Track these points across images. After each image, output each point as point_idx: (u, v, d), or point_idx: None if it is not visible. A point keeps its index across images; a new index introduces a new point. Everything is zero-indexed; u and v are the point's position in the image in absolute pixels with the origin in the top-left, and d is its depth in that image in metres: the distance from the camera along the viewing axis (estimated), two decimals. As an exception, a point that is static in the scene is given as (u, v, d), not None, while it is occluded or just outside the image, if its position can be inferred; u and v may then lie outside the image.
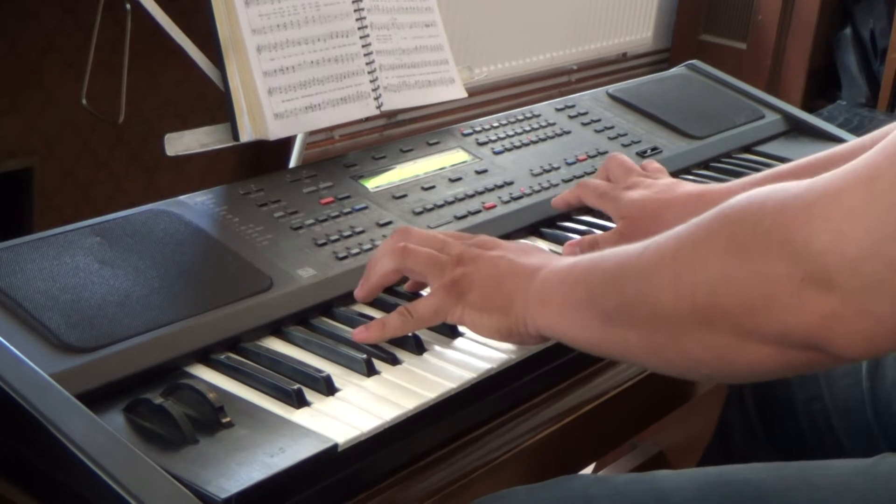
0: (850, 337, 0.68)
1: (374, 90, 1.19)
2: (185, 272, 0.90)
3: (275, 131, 1.09)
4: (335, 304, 0.94)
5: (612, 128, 1.36)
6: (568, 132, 1.32)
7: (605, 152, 1.30)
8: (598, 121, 1.37)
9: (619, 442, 1.21)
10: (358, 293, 0.94)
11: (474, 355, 0.89)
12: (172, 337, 0.83)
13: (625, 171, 1.14)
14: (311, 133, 1.57)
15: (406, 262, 0.91)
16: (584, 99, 1.42)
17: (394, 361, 0.87)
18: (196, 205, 0.99)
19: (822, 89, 3.76)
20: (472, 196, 1.14)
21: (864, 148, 0.72)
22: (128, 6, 1.19)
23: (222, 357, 0.85)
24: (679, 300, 0.74)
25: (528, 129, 1.30)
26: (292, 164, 1.41)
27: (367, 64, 1.19)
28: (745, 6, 3.74)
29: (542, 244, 1.11)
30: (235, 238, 0.96)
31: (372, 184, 1.11)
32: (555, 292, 0.84)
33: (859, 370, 1.11)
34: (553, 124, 1.33)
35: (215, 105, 1.35)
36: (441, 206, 1.10)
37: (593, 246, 1.06)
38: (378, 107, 1.19)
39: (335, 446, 0.75)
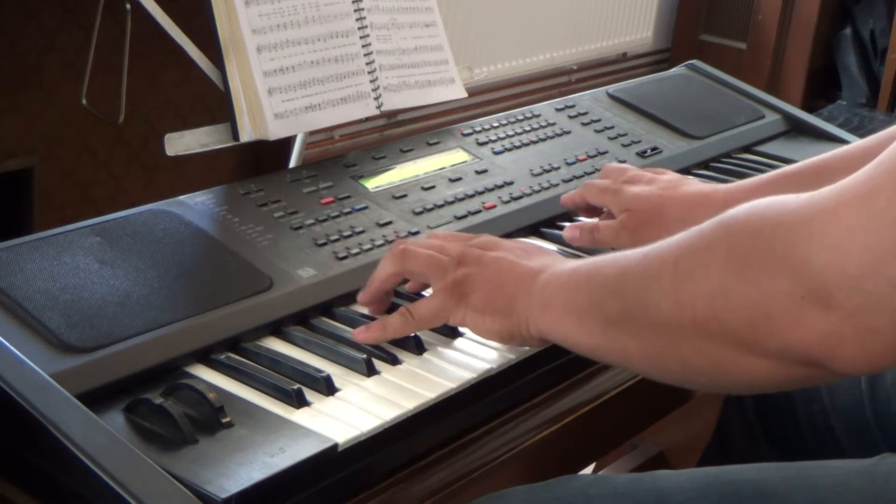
0: (850, 354, 0.68)
1: (374, 90, 1.19)
2: (185, 272, 0.90)
3: (275, 131, 1.09)
4: (335, 304, 0.94)
5: (612, 128, 1.36)
6: (568, 132, 1.32)
7: (605, 152, 1.30)
8: (598, 121, 1.37)
9: (619, 442, 1.21)
10: (361, 298, 0.94)
11: (474, 356, 0.89)
12: (172, 337, 0.83)
13: (621, 169, 1.14)
14: (311, 133, 1.57)
15: (406, 264, 0.91)
16: (584, 99, 1.42)
17: (394, 361, 0.87)
18: (196, 205, 0.99)
19: (822, 89, 3.76)
20: (472, 196, 1.14)
21: (869, 150, 0.71)
22: (128, 6, 1.19)
23: (222, 357, 0.85)
24: (680, 310, 0.74)
25: (528, 129, 1.30)
26: (292, 164, 1.41)
27: (367, 64, 1.19)
28: (745, 6, 3.74)
29: (542, 244, 1.11)
30: (235, 238, 0.96)
31: (372, 184, 1.11)
32: (556, 297, 0.85)
33: (859, 370, 1.11)
34: (553, 124, 1.33)
35: (215, 105, 1.35)
36: (441, 206, 1.10)
37: (593, 231, 1.08)
38: (378, 107, 1.19)
39: (335, 446, 0.75)
